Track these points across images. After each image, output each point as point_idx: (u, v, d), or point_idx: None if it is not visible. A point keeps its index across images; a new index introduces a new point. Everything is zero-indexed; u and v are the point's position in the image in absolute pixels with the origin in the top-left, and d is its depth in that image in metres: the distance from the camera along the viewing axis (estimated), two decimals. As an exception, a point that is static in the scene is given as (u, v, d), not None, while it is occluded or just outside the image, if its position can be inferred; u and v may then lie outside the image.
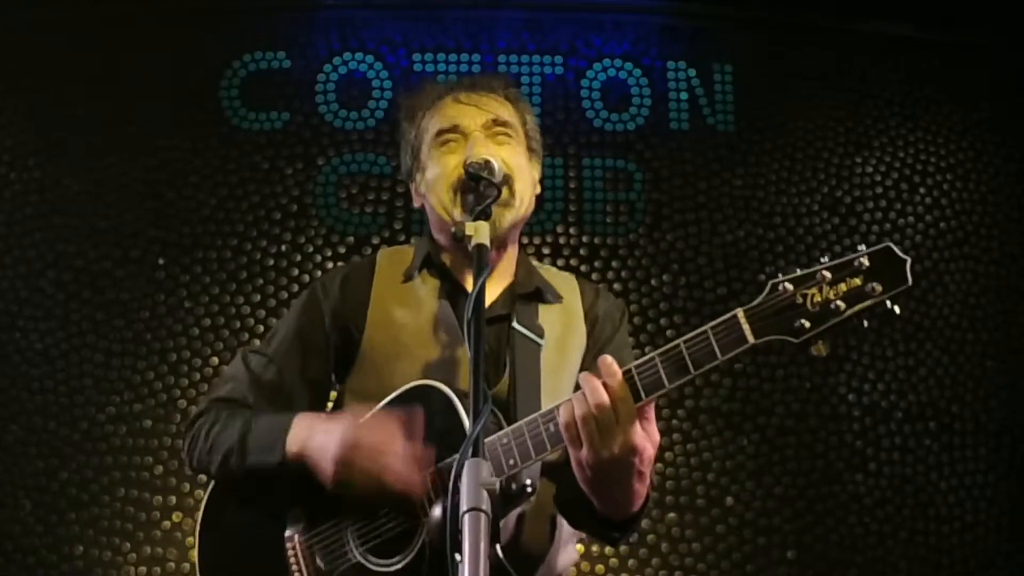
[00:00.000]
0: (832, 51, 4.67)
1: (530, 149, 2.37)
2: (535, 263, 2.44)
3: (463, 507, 1.52)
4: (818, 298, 1.70)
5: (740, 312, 1.75)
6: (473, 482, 1.54)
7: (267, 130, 4.46)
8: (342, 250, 4.32)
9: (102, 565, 3.96)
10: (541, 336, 2.23)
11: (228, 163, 4.39)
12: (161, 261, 4.26)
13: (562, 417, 1.83)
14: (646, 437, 1.83)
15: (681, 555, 4.08)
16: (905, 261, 1.67)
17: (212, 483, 2.27)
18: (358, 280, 2.32)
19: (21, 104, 4.41)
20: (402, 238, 4.32)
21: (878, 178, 4.56)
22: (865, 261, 1.68)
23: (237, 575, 2.19)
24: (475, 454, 1.60)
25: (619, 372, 1.80)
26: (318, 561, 2.08)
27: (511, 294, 2.29)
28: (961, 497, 4.25)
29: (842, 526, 4.16)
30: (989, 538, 4.22)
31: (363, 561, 2.03)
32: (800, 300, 1.71)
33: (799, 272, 1.73)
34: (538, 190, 2.41)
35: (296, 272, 4.29)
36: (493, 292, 2.27)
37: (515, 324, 2.21)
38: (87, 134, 4.37)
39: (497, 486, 1.55)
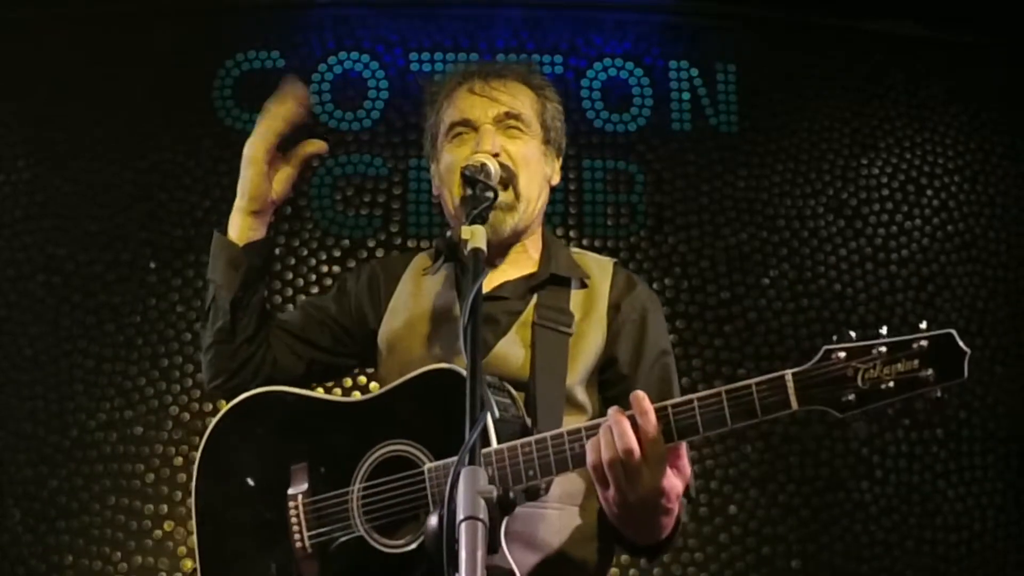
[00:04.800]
0: (837, 51, 4.63)
1: (547, 142, 2.34)
2: (574, 250, 2.40)
3: (459, 516, 1.49)
4: (871, 374, 1.66)
5: (789, 375, 1.71)
6: (470, 490, 1.51)
7: (261, 131, 4.40)
8: (337, 253, 4.28)
9: (92, 574, 3.94)
10: (569, 325, 2.18)
11: (221, 164, 4.33)
12: (153, 264, 4.23)
13: (589, 458, 1.80)
14: (676, 474, 1.82)
15: (684, 564, 4.07)
16: (965, 354, 1.62)
17: (214, 421, 2.21)
18: (389, 273, 2.42)
19: (10, 105, 4.37)
20: (398, 241, 4.30)
21: (884, 180, 4.53)
22: (924, 344, 1.64)
23: (235, 525, 2.15)
24: (472, 462, 1.56)
25: (651, 410, 1.75)
26: (319, 526, 2.04)
27: (526, 282, 2.26)
28: (969, 505, 4.25)
29: (847, 535, 4.16)
30: (997, 547, 4.23)
31: (366, 536, 1.99)
32: (851, 373, 1.67)
33: (855, 343, 1.68)
34: (556, 180, 2.39)
35: (290, 275, 4.25)
36: (507, 277, 2.28)
37: (538, 320, 2.17)
38: (77, 135, 4.32)
39: (495, 495, 1.51)
